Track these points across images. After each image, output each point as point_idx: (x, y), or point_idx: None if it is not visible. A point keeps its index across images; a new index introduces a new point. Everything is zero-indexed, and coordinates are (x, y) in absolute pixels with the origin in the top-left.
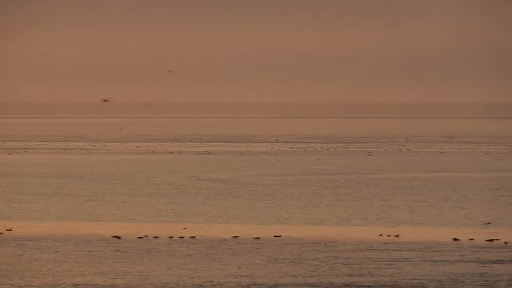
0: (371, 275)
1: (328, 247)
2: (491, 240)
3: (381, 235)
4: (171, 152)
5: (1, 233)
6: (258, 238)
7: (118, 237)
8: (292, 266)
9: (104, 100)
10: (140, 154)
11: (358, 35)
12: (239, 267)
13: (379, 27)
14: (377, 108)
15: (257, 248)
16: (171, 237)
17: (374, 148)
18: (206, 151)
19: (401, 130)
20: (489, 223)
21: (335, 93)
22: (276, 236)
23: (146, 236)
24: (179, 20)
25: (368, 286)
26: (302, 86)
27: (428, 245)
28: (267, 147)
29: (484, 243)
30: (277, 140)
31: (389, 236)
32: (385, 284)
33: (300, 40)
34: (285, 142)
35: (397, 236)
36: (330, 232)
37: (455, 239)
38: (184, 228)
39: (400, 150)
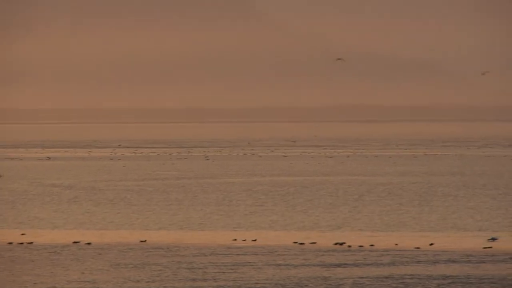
0: (215, 279)
1: (171, 252)
2: (336, 244)
3: (235, 239)
4: (12, 159)
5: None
6: (101, 243)
7: None
8: (135, 271)
9: None
10: None
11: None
12: (82, 273)
13: (219, 29)
14: (219, 113)
15: (100, 254)
16: (10, 243)
17: (218, 153)
18: (48, 157)
19: (243, 134)
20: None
21: (176, 97)
22: (119, 241)
23: None
24: None
25: None
26: (142, 91)
27: (272, 249)
28: (110, 152)
29: (327, 247)
30: (119, 145)
31: (235, 240)
32: None
33: (152, 43)
34: (128, 147)
35: (235, 240)
36: (172, 237)
37: (299, 243)
38: (23, 234)
39: (245, 154)
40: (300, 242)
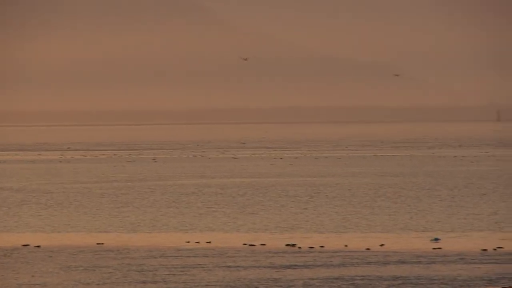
0: (165, 281)
1: (121, 254)
2: (287, 245)
3: (189, 241)
4: None
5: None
6: (51, 246)
7: None
8: (86, 273)
9: None
10: None
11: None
12: (32, 276)
13: (150, 30)
14: (168, 115)
15: (50, 256)
16: None
17: (168, 155)
18: None
19: (193, 136)
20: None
21: (125, 99)
22: (69, 244)
23: None
24: None
25: None
26: (89, 94)
27: (222, 251)
28: (60, 155)
29: (278, 248)
30: (69, 148)
31: (188, 242)
32: None
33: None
34: (77, 150)
35: (188, 242)
36: (122, 239)
37: (249, 245)
38: None
39: (195, 156)
40: (250, 243)
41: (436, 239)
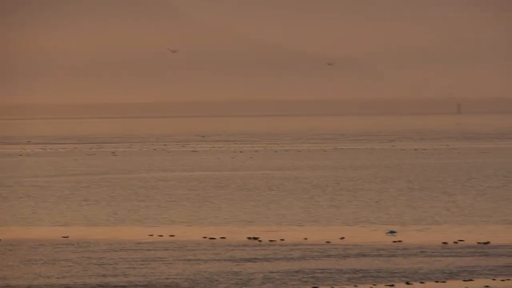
0: (125, 275)
1: (81, 248)
2: (247, 238)
3: (152, 235)
4: None
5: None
6: (10, 239)
7: None
8: (46, 267)
9: None
10: None
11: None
12: None
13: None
14: (129, 108)
15: (10, 250)
16: None
17: (128, 149)
18: None
19: (152, 130)
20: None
21: (86, 93)
22: (28, 238)
23: None
24: None
25: (122, 286)
26: (49, 87)
27: (182, 244)
28: (20, 148)
29: (238, 241)
30: (29, 141)
31: (151, 235)
32: (139, 284)
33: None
34: (38, 144)
35: (151, 235)
36: (82, 232)
37: (209, 238)
38: None
39: (155, 149)
40: (211, 237)
41: (392, 232)
